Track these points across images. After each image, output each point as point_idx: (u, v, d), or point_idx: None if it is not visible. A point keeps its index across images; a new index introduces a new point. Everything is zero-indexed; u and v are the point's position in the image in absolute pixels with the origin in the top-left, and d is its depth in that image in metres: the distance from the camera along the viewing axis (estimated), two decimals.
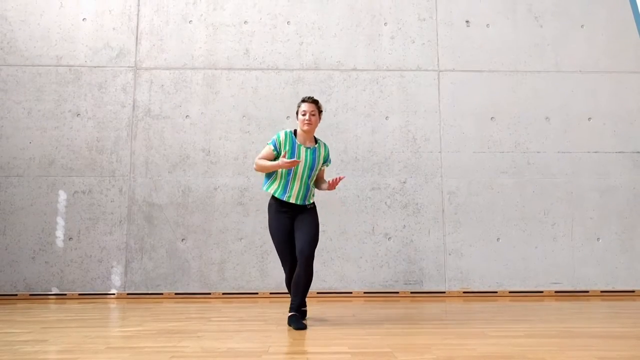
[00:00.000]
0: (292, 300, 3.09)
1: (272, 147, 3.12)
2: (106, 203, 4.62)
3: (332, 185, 3.07)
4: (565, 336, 2.76)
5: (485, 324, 3.14)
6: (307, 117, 3.12)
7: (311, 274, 3.09)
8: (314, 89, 4.79)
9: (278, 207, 3.14)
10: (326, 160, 3.24)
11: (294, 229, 3.13)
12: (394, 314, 3.58)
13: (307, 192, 3.14)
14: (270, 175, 3.14)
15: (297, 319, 3.01)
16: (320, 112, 3.22)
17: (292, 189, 3.10)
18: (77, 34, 4.84)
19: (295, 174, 3.09)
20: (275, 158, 3.12)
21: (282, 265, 3.19)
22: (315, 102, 3.19)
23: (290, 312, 3.07)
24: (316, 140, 3.24)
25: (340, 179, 3.08)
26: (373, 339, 2.72)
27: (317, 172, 3.17)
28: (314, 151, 3.16)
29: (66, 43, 4.82)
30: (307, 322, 3.26)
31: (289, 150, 3.10)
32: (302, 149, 3.13)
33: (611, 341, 2.65)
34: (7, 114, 4.69)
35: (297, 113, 3.20)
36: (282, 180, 3.11)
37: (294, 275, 3.08)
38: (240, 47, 4.87)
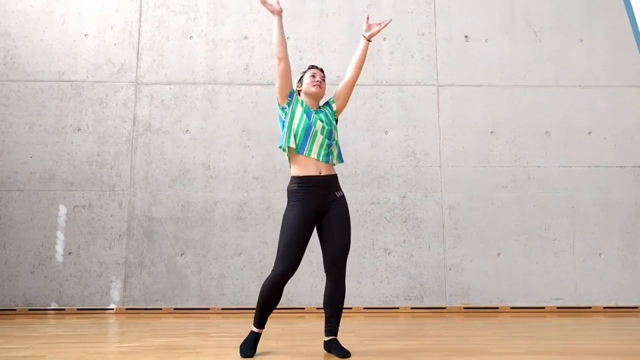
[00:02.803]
0: (330, 323, 2.72)
1: (290, 88, 2.84)
2: (106, 217, 4.61)
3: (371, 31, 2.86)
4: (568, 353, 2.74)
5: (486, 341, 3.11)
6: (317, 78, 2.86)
7: (345, 288, 2.75)
8: None
9: (301, 193, 2.71)
10: (332, 108, 2.91)
11: (322, 228, 2.72)
12: (395, 330, 3.55)
13: (328, 152, 2.77)
14: (286, 131, 2.78)
15: (340, 346, 2.70)
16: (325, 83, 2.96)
17: (311, 148, 2.74)
18: (79, 50, 4.88)
19: (315, 136, 2.75)
20: (287, 99, 2.80)
21: (277, 262, 2.65)
22: (323, 71, 2.97)
23: (328, 335, 2.74)
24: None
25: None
26: (373, 355, 2.69)
27: (335, 127, 2.85)
28: (325, 114, 2.85)
29: (68, 59, 4.86)
30: (308, 338, 3.23)
31: (304, 112, 2.78)
32: (314, 115, 2.81)
33: (614, 358, 2.62)
34: (8, 129, 4.72)
35: (300, 80, 2.92)
36: (300, 137, 2.75)
37: (328, 295, 2.70)
38: (241, 62, 4.91)
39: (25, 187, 4.64)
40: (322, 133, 2.76)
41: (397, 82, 4.91)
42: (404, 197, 4.72)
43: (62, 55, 4.87)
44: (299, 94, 2.91)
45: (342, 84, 2.94)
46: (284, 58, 2.79)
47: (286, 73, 2.80)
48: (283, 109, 2.83)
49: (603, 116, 4.87)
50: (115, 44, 4.91)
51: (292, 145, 2.74)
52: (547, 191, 4.75)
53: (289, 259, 2.62)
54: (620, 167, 4.79)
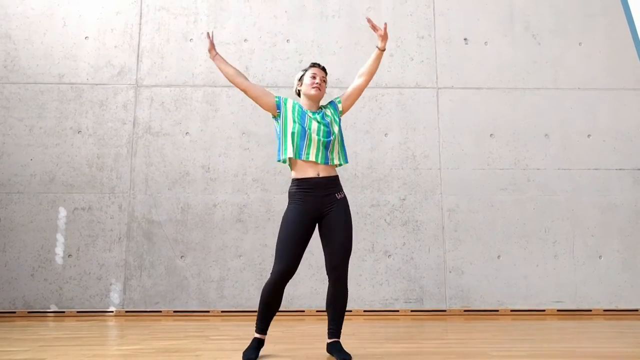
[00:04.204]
0: (332, 325, 2.72)
1: (275, 97, 2.83)
2: (105, 220, 4.61)
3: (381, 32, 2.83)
4: (568, 356, 2.73)
5: (487, 344, 3.10)
6: (317, 79, 2.81)
7: (347, 291, 2.75)
8: None
9: (299, 195, 2.70)
10: (335, 106, 2.88)
11: (323, 231, 2.71)
12: (395, 333, 3.54)
13: (326, 152, 2.73)
14: (282, 141, 2.79)
15: (341, 348, 2.68)
16: (326, 84, 2.91)
17: (309, 151, 2.72)
18: (79, 52, 4.89)
19: (310, 139, 2.72)
20: (276, 111, 2.81)
21: (276, 263, 2.63)
22: (325, 70, 2.90)
23: (331, 338, 2.73)
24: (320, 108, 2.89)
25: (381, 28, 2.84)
26: (374, 358, 2.69)
27: (337, 134, 2.78)
28: (322, 115, 2.80)
29: (68, 61, 4.87)
30: (308, 341, 3.23)
31: (297, 116, 2.77)
32: (310, 116, 2.78)
33: None
34: (9, 131, 4.72)
35: (300, 79, 2.90)
36: (296, 143, 2.73)
37: (330, 298, 2.70)
38: (241, 64, 4.91)
39: (25, 189, 4.64)
40: (317, 134, 2.73)
41: (397, 84, 4.91)
42: (403, 199, 4.72)
43: (63, 57, 4.87)
44: (298, 94, 2.93)
45: (352, 87, 2.91)
46: (246, 86, 2.81)
47: (259, 97, 2.83)
48: (275, 118, 2.85)
49: (602, 119, 4.88)
50: (115, 47, 4.92)
51: (290, 155, 2.73)
52: (546, 194, 4.75)
53: (286, 259, 2.60)
54: (620, 169, 4.79)
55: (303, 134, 2.73)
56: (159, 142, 4.76)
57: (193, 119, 4.82)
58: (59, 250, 4.56)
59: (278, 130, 2.83)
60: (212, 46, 2.86)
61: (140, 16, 4.97)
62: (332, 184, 2.75)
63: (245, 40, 4.96)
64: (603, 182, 4.77)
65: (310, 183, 2.71)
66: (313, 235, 2.74)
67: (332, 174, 2.77)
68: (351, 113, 4.84)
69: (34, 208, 4.61)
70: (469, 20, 5.03)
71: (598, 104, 4.90)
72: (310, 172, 2.72)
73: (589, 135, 4.86)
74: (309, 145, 2.72)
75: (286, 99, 2.85)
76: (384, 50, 2.87)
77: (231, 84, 4.85)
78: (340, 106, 2.90)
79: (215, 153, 4.77)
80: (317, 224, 2.75)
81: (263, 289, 2.68)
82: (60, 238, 4.58)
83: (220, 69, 2.86)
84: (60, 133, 4.75)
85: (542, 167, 4.79)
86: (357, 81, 2.90)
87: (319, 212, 2.70)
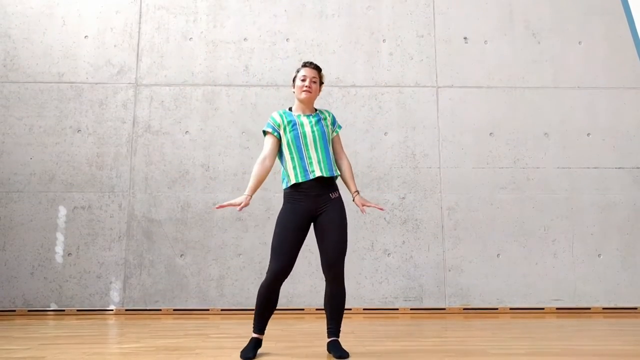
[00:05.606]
0: (330, 324, 2.73)
1: (271, 131, 2.76)
2: (105, 219, 4.62)
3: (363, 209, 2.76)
4: (567, 354, 2.74)
5: (486, 342, 3.11)
6: (307, 82, 2.75)
7: (345, 290, 2.73)
8: None
9: (294, 195, 2.69)
10: (334, 125, 2.84)
11: (317, 230, 2.70)
12: (394, 331, 3.55)
13: (328, 160, 2.71)
14: (285, 167, 2.75)
15: (338, 346, 2.69)
16: (321, 82, 2.85)
17: (311, 163, 2.68)
18: (78, 52, 4.89)
19: (307, 145, 2.70)
20: (280, 142, 2.77)
21: (272, 262, 2.62)
22: (317, 68, 2.82)
23: (330, 337, 2.74)
24: (315, 110, 2.86)
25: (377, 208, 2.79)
26: (373, 356, 2.69)
27: (330, 139, 2.78)
28: (317, 118, 2.78)
29: (68, 60, 4.87)
30: (308, 339, 3.24)
31: (288, 124, 2.73)
32: (303, 118, 2.75)
33: (614, 359, 2.62)
34: (8, 130, 4.72)
35: (294, 80, 2.83)
36: (297, 160, 2.70)
37: (328, 297, 2.70)
38: (240, 63, 4.92)
39: (25, 188, 4.64)
40: (312, 135, 2.72)
41: (397, 83, 4.92)
42: (403, 198, 4.73)
43: (62, 56, 4.88)
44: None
45: (337, 148, 2.86)
46: (272, 159, 2.77)
47: (276, 150, 2.79)
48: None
49: (602, 117, 4.89)
50: (115, 46, 4.92)
51: (293, 181, 2.68)
52: (546, 192, 4.76)
53: (282, 259, 2.60)
54: (619, 168, 4.80)
55: (299, 145, 2.71)
56: (158, 141, 4.77)
57: (193, 118, 4.82)
58: (59, 248, 4.56)
59: (280, 156, 2.80)
60: (239, 204, 2.68)
61: (140, 15, 4.97)
62: (327, 184, 2.73)
63: (245, 39, 4.97)
64: (602, 181, 4.77)
65: (306, 184, 2.70)
66: (310, 234, 2.74)
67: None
68: (351, 112, 4.84)
69: (34, 207, 4.61)
70: (468, 19, 5.03)
71: (597, 102, 4.91)
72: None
73: (588, 134, 4.87)
74: (307, 150, 2.69)
75: (274, 119, 2.78)
76: (353, 194, 2.82)
77: (230, 84, 4.89)
78: (336, 128, 2.86)
79: (215, 152, 4.77)
80: (312, 223, 2.74)
81: (259, 289, 2.69)
82: (60, 237, 4.58)
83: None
84: (59, 132, 4.75)
85: (542, 166, 4.80)
86: (340, 158, 2.85)
87: (313, 212, 2.70)
